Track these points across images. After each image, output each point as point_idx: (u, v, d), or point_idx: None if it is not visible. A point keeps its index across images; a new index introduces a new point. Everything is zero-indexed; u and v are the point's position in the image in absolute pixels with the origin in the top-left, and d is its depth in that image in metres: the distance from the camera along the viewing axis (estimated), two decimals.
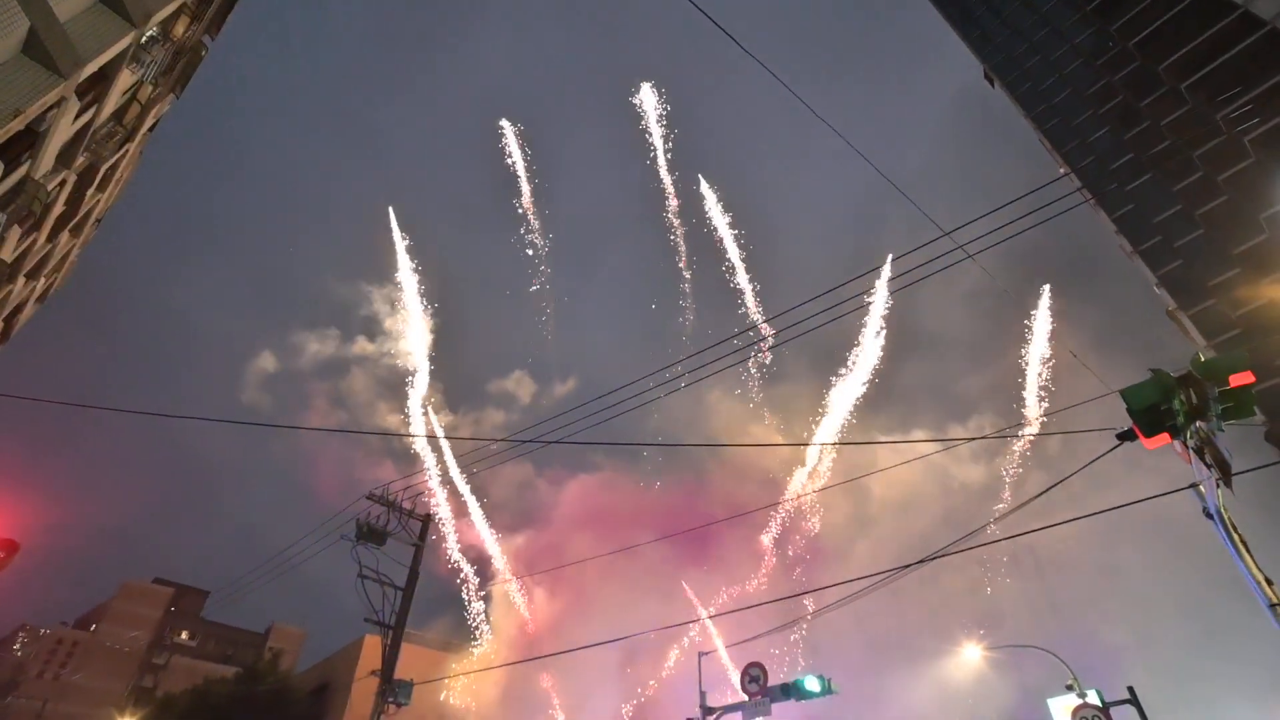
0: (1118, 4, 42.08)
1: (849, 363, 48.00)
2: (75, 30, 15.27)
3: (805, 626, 45.30)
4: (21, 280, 25.00)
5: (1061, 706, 22.01)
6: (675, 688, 43.48)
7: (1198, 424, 7.94)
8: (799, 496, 52.44)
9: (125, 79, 19.36)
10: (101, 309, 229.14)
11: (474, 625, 45.46)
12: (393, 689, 16.43)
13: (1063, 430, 33.37)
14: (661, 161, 51.83)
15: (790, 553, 53.96)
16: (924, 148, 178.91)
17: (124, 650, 76.36)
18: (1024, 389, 47.27)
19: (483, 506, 46.77)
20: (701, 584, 53.45)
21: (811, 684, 15.85)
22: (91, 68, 16.00)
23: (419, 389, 46.87)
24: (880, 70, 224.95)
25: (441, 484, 43.31)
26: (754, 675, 16.53)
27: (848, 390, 48.39)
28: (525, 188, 52.66)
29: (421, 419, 47.00)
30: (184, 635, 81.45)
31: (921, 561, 13.92)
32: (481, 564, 46.83)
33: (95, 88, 18.08)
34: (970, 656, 31.93)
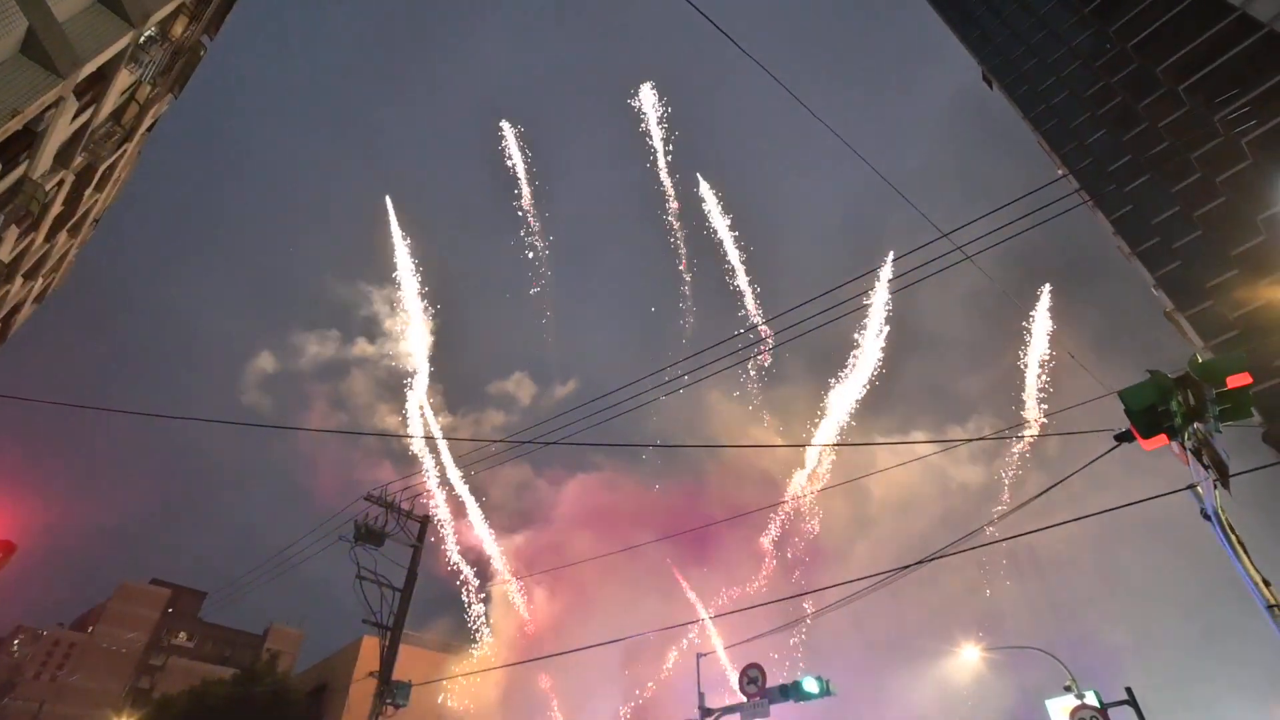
0: (1116, 6, 42.19)
1: (849, 364, 48.04)
2: (73, 30, 15.25)
3: (805, 629, 45.34)
4: (19, 280, 24.96)
5: (1059, 707, 22.01)
6: (674, 689, 43.48)
7: (1195, 425, 7.95)
8: (797, 498, 52.46)
9: (124, 79, 19.34)
10: (100, 309, 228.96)
11: (474, 628, 45.42)
12: (391, 690, 16.40)
13: (1061, 431, 33.41)
14: (662, 164, 51.92)
15: (789, 555, 54.03)
16: (923, 149, 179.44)
17: (121, 652, 76.19)
18: (1023, 390, 47.33)
19: (482, 507, 46.74)
20: (700, 585, 53.51)
21: (810, 685, 15.85)
22: (90, 68, 15.98)
23: (418, 390, 46.82)
24: (879, 71, 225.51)
25: (440, 485, 43.31)
26: (752, 677, 16.53)
27: (847, 391, 48.41)
28: (525, 189, 52.71)
29: (420, 420, 46.95)
30: (181, 636, 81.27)
31: (920, 562, 13.92)
32: (481, 565, 46.81)
33: (93, 88, 18.06)
34: (969, 658, 31.92)
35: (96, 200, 28.10)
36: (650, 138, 51.08)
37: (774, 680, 16.58)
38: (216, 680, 39.05)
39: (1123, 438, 8.73)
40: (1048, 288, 45.74)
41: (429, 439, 44.71)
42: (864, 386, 47.65)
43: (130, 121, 22.50)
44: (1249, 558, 7.32)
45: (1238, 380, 7.92)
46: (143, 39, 18.30)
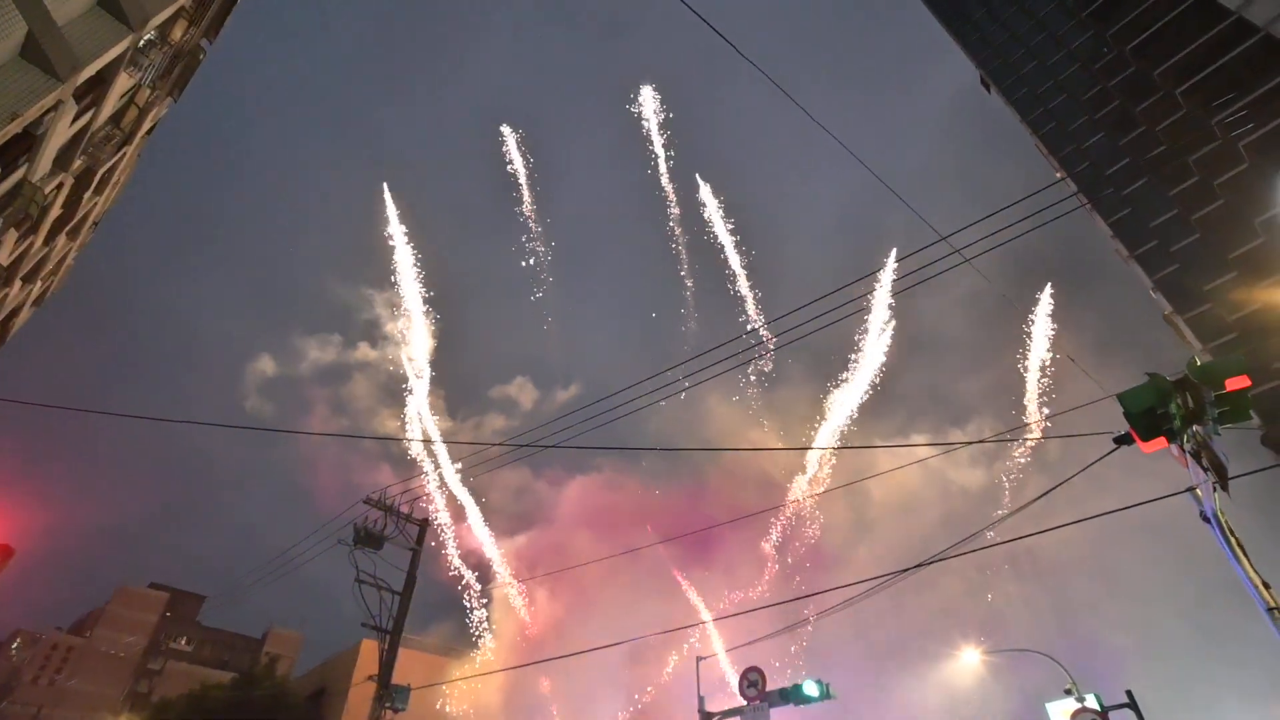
0: (1114, 9, 42.32)
1: (850, 367, 48.04)
2: (73, 33, 15.27)
3: (806, 633, 45.27)
4: (18, 283, 24.94)
5: (1060, 711, 21.95)
6: (674, 692, 43.41)
7: (1194, 428, 7.94)
8: (797, 501, 52.43)
9: (123, 82, 19.36)
10: (99, 312, 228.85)
11: (475, 634, 45.34)
12: (390, 694, 16.35)
13: (1060, 434, 33.43)
14: (663, 167, 52.04)
15: (790, 560, 53.98)
16: (921, 152, 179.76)
17: (120, 656, 76.03)
18: (1023, 393, 47.35)
19: (482, 510, 46.67)
20: (701, 588, 53.45)
21: (810, 689, 15.82)
22: (89, 71, 15.99)
23: (419, 394, 46.75)
24: (878, 74, 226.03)
25: (440, 489, 43.25)
26: (752, 680, 16.50)
27: (849, 394, 48.40)
28: (526, 194, 52.80)
29: (419, 424, 46.87)
30: (180, 641, 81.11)
31: (920, 565, 13.91)
32: (482, 569, 46.75)
33: (93, 91, 18.07)
34: (969, 661, 31.87)
35: (96, 203, 28.11)
36: (651, 141, 51.23)
37: (774, 684, 16.55)
38: (215, 684, 38.97)
39: (1122, 440, 8.72)
40: (1049, 287, 45.82)
41: (426, 442, 44.67)
42: (867, 390, 47.66)
43: (130, 125, 22.53)
44: (1249, 560, 7.31)
45: (1236, 383, 7.93)
46: (142, 42, 18.32)
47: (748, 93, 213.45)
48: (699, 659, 19.47)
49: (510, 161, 51.62)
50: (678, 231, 55.52)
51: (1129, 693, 17.62)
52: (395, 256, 44.34)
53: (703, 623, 44.04)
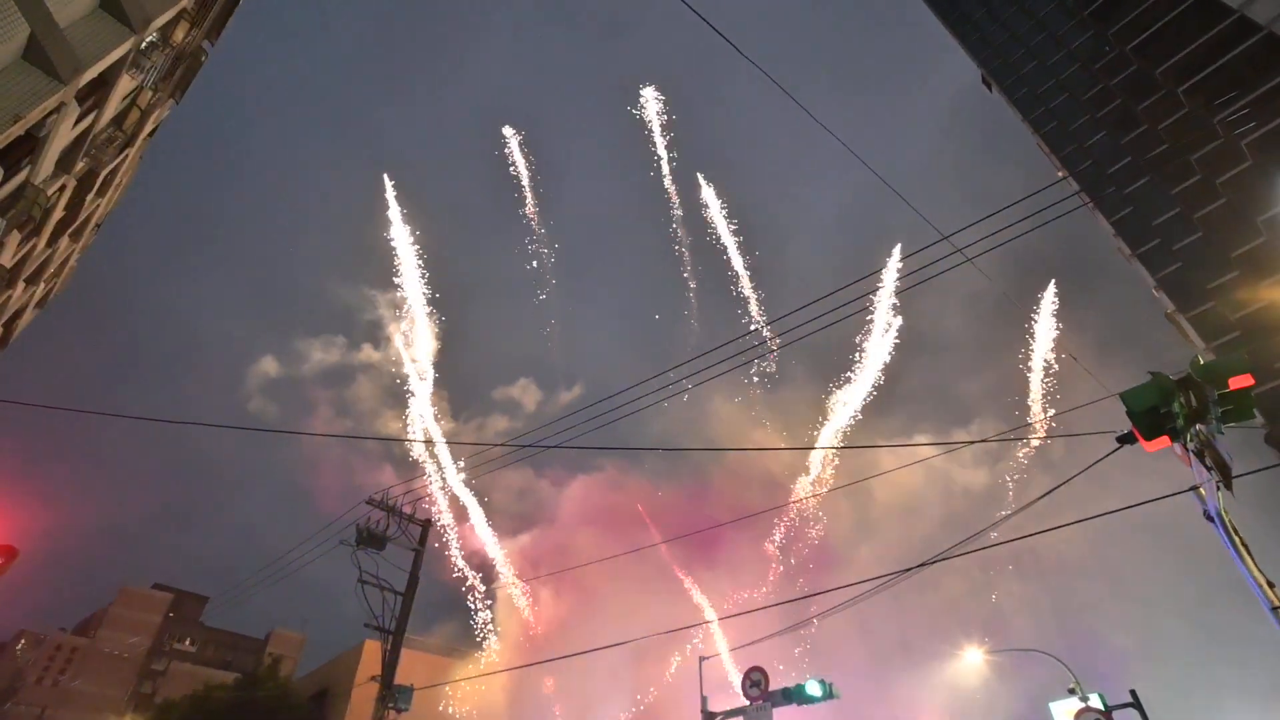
0: (1115, 8, 42.27)
1: (853, 367, 48.02)
2: (75, 36, 15.31)
3: (809, 634, 45.25)
4: (21, 285, 25.01)
5: (1064, 710, 21.93)
6: (677, 692, 43.39)
7: (1198, 427, 7.94)
8: (800, 500, 52.40)
9: (125, 84, 19.41)
10: (101, 313, 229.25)
11: (479, 635, 45.35)
12: (393, 695, 16.37)
13: (1063, 434, 33.40)
14: (665, 169, 52.12)
15: (793, 561, 53.98)
16: (922, 152, 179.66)
17: (123, 656, 76.14)
18: (1026, 392, 47.32)
19: (485, 511, 46.70)
20: (704, 588, 53.45)
21: (813, 689, 15.81)
22: (91, 73, 16.04)
23: (421, 395, 46.76)
24: (879, 74, 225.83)
25: (442, 490, 43.27)
26: (755, 680, 16.49)
27: (852, 393, 48.36)
28: (529, 197, 52.89)
29: (422, 425, 46.88)
30: (184, 641, 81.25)
31: (923, 565, 13.90)
32: (485, 569, 46.78)
33: (95, 93, 18.13)
34: (973, 660, 31.84)
35: (98, 205, 28.19)
36: (654, 147, 51.34)
37: (777, 683, 16.54)
38: (219, 685, 39.05)
39: (1125, 439, 8.72)
40: (1053, 284, 45.78)
41: (428, 443, 44.69)
42: (871, 389, 47.61)
43: (132, 127, 22.58)
44: (1253, 559, 7.30)
45: (1240, 381, 7.92)
46: (144, 44, 18.36)
47: (749, 92, 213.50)
48: (701, 659, 19.46)
49: (513, 164, 51.75)
50: (680, 233, 55.63)
51: (1133, 692, 17.58)
52: (395, 246, 44.02)
53: (706, 623, 44.03)
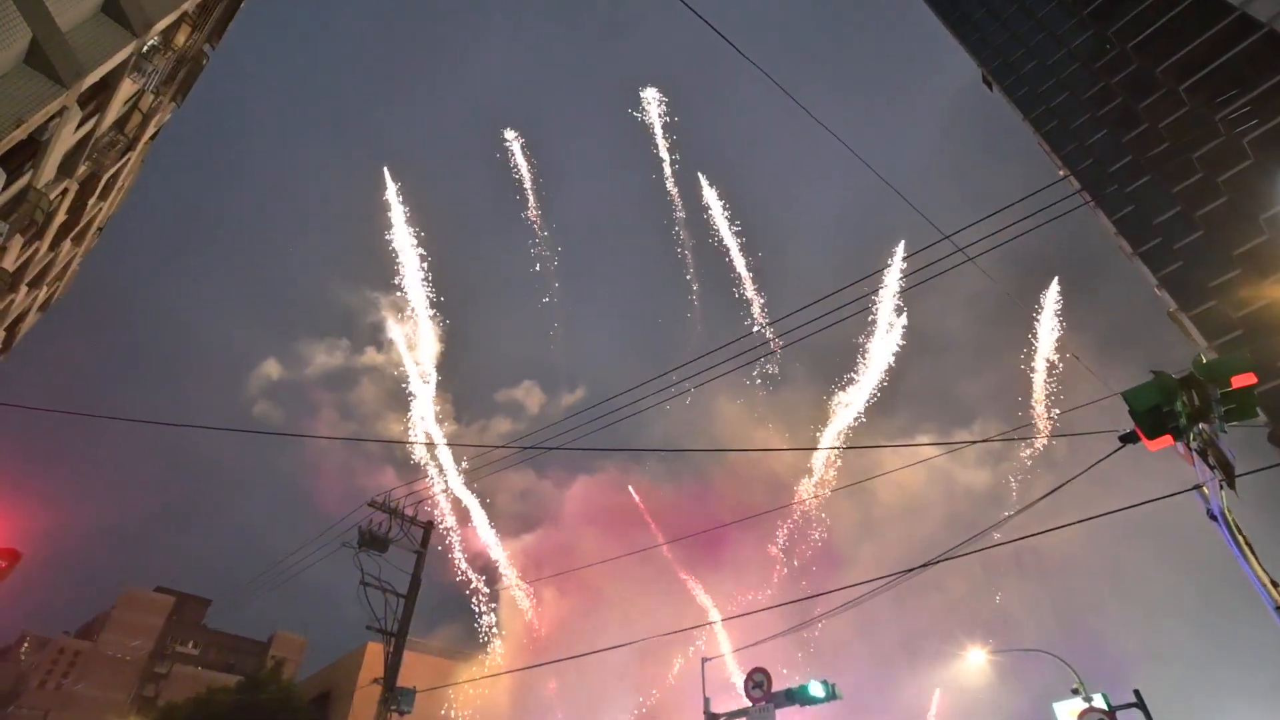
0: (1115, 7, 42.25)
1: (856, 368, 47.97)
2: (77, 40, 15.35)
3: (812, 635, 45.19)
4: (23, 289, 25.05)
5: (1067, 711, 21.83)
6: (680, 694, 43.35)
7: (1200, 425, 7.92)
8: (802, 501, 52.34)
9: (127, 88, 19.45)
10: (103, 316, 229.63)
11: (483, 638, 45.31)
12: (395, 697, 16.37)
13: (1064, 433, 33.34)
14: (667, 171, 52.19)
15: (796, 563, 53.93)
16: (923, 151, 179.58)
17: (126, 659, 76.20)
18: (1028, 391, 47.26)
19: (488, 513, 46.68)
20: (707, 589, 53.39)
21: (816, 689, 15.78)
22: (93, 77, 16.07)
23: (424, 397, 46.70)
24: (880, 75, 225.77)
25: (444, 493, 43.24)
26: (758, 681, 16.47)
27: (855, 394, 48.30)
28: (531, 200, 52.96)
29: (425, 427, 46.83)
30: (186, 644, 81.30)
31: (925, 565, 13.87)
32: (488, 571, 46.75)
33: (97, 97, 18.17)
34: (976, 661, 31.77)
35: (100, 209, 28.24)
36: (656, 148, 51.42)
37: (780, 685, 16.51)
38: (221, 687, 39.07)
39: (1127, 439, 8.69)
40: (1056, 281, 45.74)
41: (429, 445, 44.65)
42: (875, 389, 47.54)
43: (133, 130, 22.63)
44: (1256, 559, 7.27)
45: (1242, 380, 7.90)
46: (146, 48, 18.41)
47: (750, 92, 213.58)
48: (704, 660, 19.43)
49: (515, 167, 51.81)
50: (682, 234, 55.70)
51: (1137, 692, 17.52)
52: (396, 246, 43.79)
53: (709, 624, 43.98)
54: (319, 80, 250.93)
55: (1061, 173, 42.96)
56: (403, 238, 43.86)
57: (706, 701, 17.37)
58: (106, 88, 18.19)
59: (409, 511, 19.44)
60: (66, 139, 17.75)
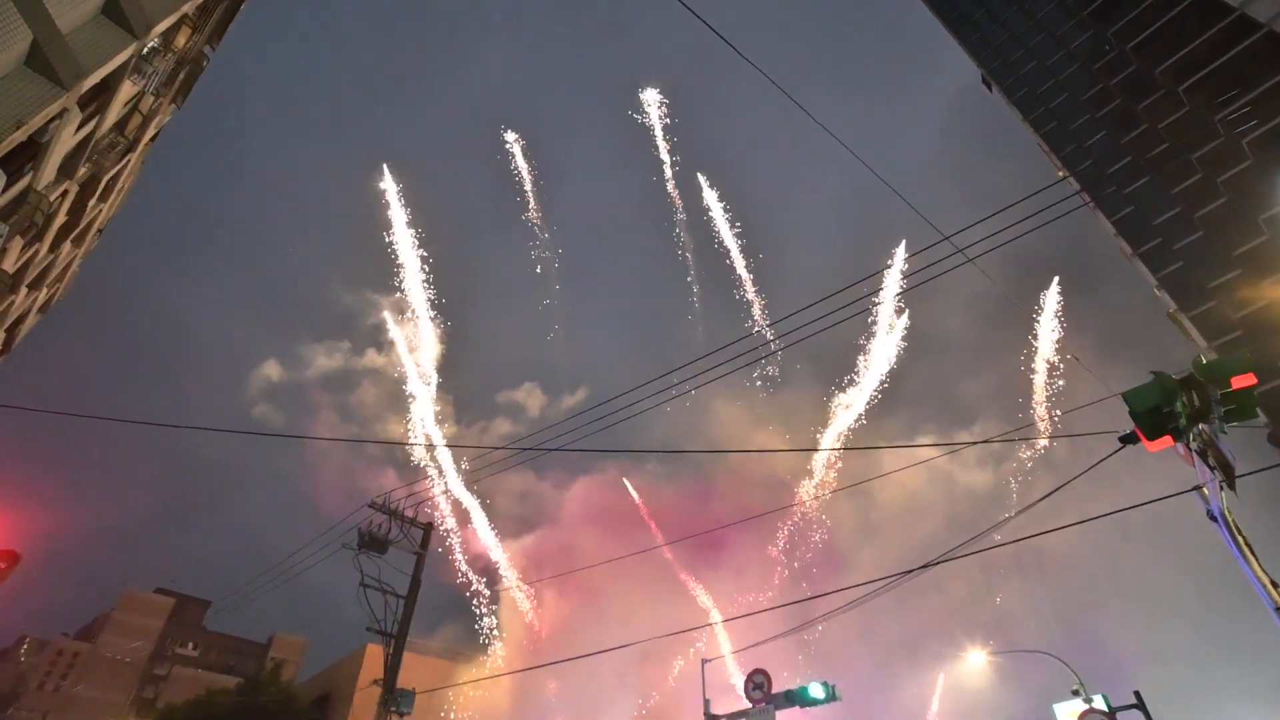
0: (1114, 8, 42.27)
1: (857, 369, 47.98)
2: (77, 42, 15.36)
3: (812, 636, 45.16)
4: (23, 291, 25.05)
5: (1067, 712, 21.83)
6: (681, 695, 43.33)
7: (1200, 426, 7.91)
8: (802, 503, 52.33)
9: (127, 90, 19.46)
10: (103, 317, 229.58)
11: (484, 639, 45.28)
12: (395, 698, 16.36)
13: (1064, 434, 33.33)
14: (668, 173, 52.26)
15: (796, 565, 53.91)
16: (923, 152, 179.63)
17: (125, 661, 76.18)
18: (1029, 392, 47.27)
19: (489, 514, 46.67)
20: (707, 590, 53.37)
21: (816, 691, 15.77)
22: (93, 79, 16.08)
23: (424, 399, 46.65)
24: (879, 75, 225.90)
25: (444, 495, 43.23)
26: (758, 682, 16.46)
27: (857, 394, 48.28)
28: (532, 202, 53.03)
29: (425, 429, 46.79)
30: (186, 646, 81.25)
31: (925, 566, 13.86)
32: (489, 573, 46.73)
33: (97, 99, 18.18)
34: (976, 662, 31.75)
35: (100, 210, 28.25)
36: (655, 146, 51.46)
37: (780, 686, 16.50)
38: (221, 689, 39.09)
39: (1127, 439, 8.69)
40: (1056, 280, 45.75)
41: (429, 446, 44.61)
42: (875, 390, 47.51)
43: (134, 132, 22.63)
44: (1256, 559, 7.27)
45: (1242, 381, 7.90)
46: (146, 50, 18.42)
47: (750, 92, 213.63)
48: (704, 661, 19.42)
49: (516, 170, 51.88)
50: (683, 236, 55.77)
51: (1137, 693, 17.51)
52: (396, 246, 43.62)
53: (709, 625, 43.96)
54: (319, 80, 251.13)
55: (1061, 173, 42.97)
56: (403, 238, 43.81)
57: (706, 703, 17.36)
58: (107, 89, 18.20)
59: (409, 513, 19.45)
60: (66, 141, 17.76)
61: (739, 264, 51.98)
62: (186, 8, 19.44)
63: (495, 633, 45.81)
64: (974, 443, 52.86)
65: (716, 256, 52.94)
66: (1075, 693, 21.14)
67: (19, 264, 22.15)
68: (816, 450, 50.65)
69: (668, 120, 51.73)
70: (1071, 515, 11.29)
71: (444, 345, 47.53)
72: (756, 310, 52.23)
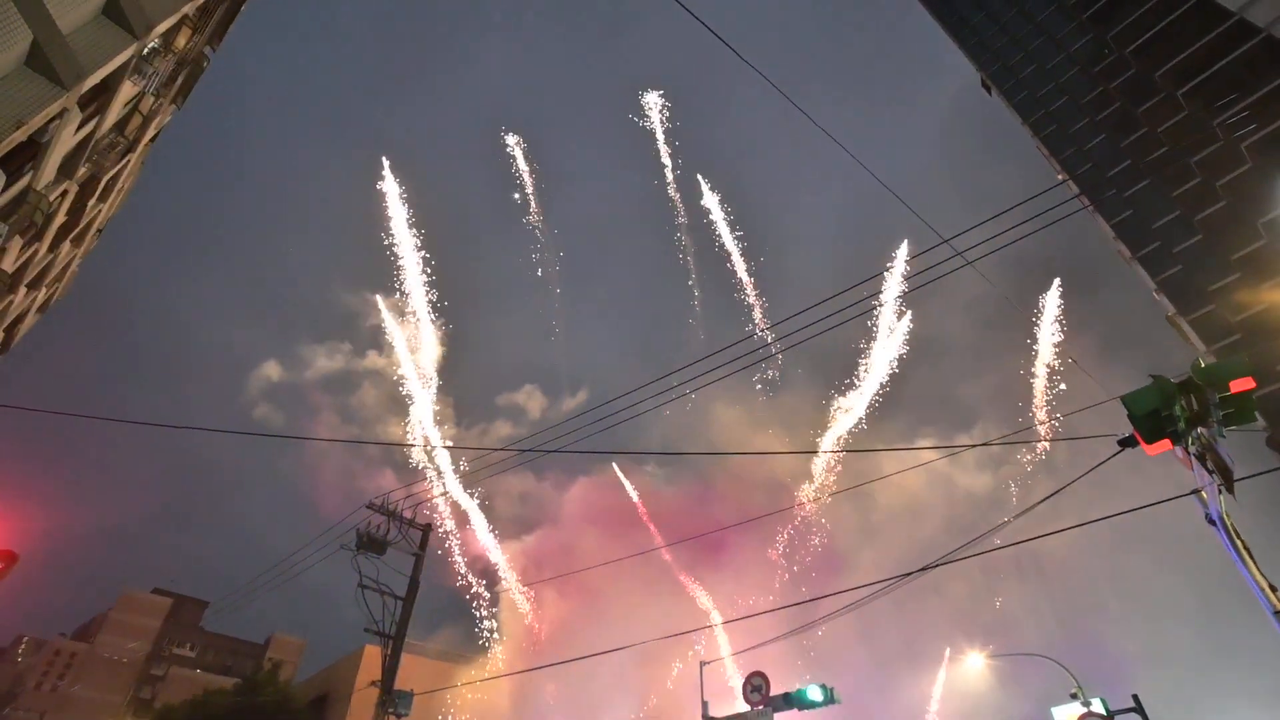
0: (1114, 11, 42.34)
1: (857, 372, 47.96)
2: (77, 42, 15.37)
3: (811, 638, 45.11)
4: (23, 290, 25.04)
5: (1066, 715, 21.84)
6: (679, 697, 43.26)
7: (1199, 430, 7.91)
8: (802, 505, 52.33)
9: (127, 90, 19.47)
10: (103, 317, 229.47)
11: (483, 641, 45.20)
12: (393, 700, 16.33)
13: (1063, 437, 33.35)
14: (669, 177, 52.31)
15: (796, 568, 53.88)
16: (923, 155, 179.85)
17: (122, 661, 76.02)
18: (1029, 395, 47.27)
19: (488, 515, 46.61)
20: (707, 592, 53.34)
21: (814, 693, 15.75)
22: (93, 79, 16.09)
23: (423, 400, 46.55)
24: (880, 79, 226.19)
25: (443, 496, 43.16)
26: (756, 685, 16.43)
27: (858, 397, 48.25)
28: (533, 204, 53.05)
29: (424, 430, 46.71)
30: (184, 646, 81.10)
31: (925, 569, 13.85)
32: (488, 575, 46.67)
33: (97, 99, 18.18)
34: (975, 665, 31.73)
35: (100, 210, 28.25)
36: (657, 149, 51.52)
37: (779, 688, 16.47)
38: (218, 690, 39.01)
39: (1126, 443, 8.69)
40: (1056, 282, 45.76)
41: (428, 448, 44.56)
42: (878, 389, 47.47)
43: (134, 132, 22.64)
44: (1255, 563, 7.27)
45: (1241, 384, 7.91)
46: (146, 51, 18.43)
47: (750, 94, 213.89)
48: (702, 663, 19.39)
49: (517, 172, 51.91)
50: (684, 239, 55.85)
51: (1135, 697, 17.51)
52: (397, 245, 43.32)
53: (708, 627, 43.91)
54: (319, 80, 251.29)
55: (1061, 177, 43.03)
56: (403, 239, 43.65)
57: (705, 705, 17.33)
58: (107, 90, 18.21)
59: (407, 514, 19.43)
60: (66, 141, 17.76)
61: (739, 266, 52.04)
62: (187, 8, 19.45)
63: (494, 634, 45.76)
64: (974, 445, 52.91)
65: (717, 259, 53.01)
66: (1074, 696, 21.14)
67: (18, 264, 22.14)
68: (816, 453, 50.67)
69: (668, 123, 51.82)
70: (1071, 518, 11.29)
71: (444, 347, 47.42)
72: (757, 313, 52.27)
